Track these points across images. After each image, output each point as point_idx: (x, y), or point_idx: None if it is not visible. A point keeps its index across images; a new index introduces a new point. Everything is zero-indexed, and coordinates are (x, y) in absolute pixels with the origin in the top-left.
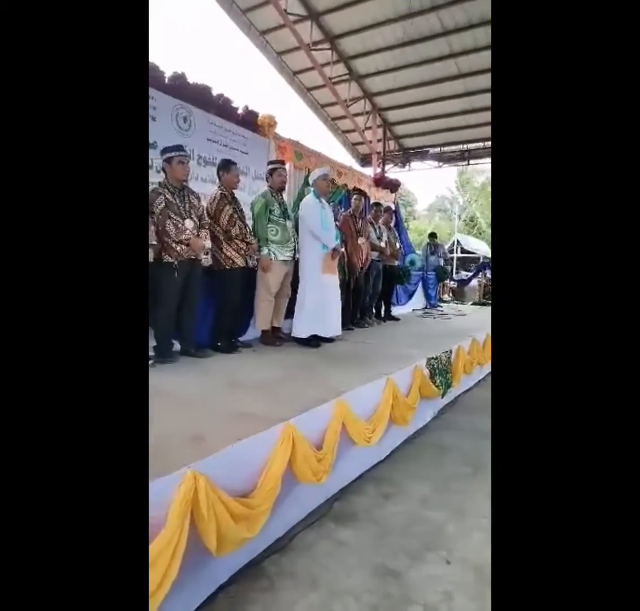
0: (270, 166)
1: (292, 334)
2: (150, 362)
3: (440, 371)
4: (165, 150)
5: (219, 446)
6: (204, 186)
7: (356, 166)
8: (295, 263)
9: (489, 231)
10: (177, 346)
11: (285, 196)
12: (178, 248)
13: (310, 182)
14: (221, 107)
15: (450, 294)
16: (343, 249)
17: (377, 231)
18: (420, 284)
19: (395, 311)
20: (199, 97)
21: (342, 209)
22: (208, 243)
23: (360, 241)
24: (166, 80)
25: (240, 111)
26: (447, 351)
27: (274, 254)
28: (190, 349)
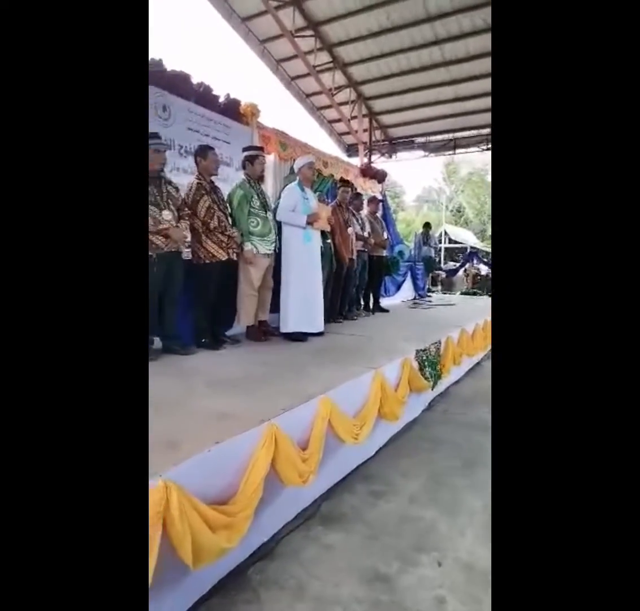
0: (249, 153)
1: (280, 330)
2: None
3: (430, 363)
4: None
5: (196, 450)
6: (185, 177)
7: (343, 156)
8: (277, 256)
9: (476, 221)
10: (159, 343)
11: (267, 187)
12: (157, 240)
13: (295, 170)
14: (201, 96)
15: (440, 284)
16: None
17: (360, 221)
18: (408, 274)
19: (384, 302)
20: (178, 85)
21: (329, 200)
22: (188, 234)
23: (349, 231)
24: None
25: (221, 100)
26: (436, 343)
27: (256, 247)
28: (173, 347)
